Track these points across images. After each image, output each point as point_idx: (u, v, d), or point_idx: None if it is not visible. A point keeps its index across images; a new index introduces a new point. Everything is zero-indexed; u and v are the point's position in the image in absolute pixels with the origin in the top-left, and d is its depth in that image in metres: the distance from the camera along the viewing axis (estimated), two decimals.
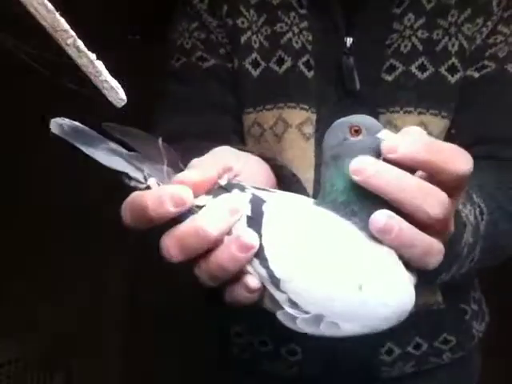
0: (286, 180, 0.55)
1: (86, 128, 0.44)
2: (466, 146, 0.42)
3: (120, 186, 0.47)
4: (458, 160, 0.41)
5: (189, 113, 0.75)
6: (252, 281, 0.43)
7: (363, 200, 0.43)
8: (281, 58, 0.73)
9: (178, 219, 0.43)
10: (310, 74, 0.72)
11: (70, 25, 0.34)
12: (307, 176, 0.69)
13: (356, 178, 0.41)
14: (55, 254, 1.96)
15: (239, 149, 0.54)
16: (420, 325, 0.73)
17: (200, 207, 0.44)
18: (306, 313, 0.42)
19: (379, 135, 0.43)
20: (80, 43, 0.35)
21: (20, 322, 1.88)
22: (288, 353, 0.73)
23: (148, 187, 0.45)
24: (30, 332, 1.83)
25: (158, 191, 0.43)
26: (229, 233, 0.43)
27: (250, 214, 0.44)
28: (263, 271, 0.43)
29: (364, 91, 0.71)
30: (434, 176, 0.42)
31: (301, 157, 0.71)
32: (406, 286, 0.42)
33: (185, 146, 0.68)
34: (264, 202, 0.45)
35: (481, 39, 0.73)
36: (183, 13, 0.78)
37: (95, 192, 1.83)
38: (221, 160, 0.49)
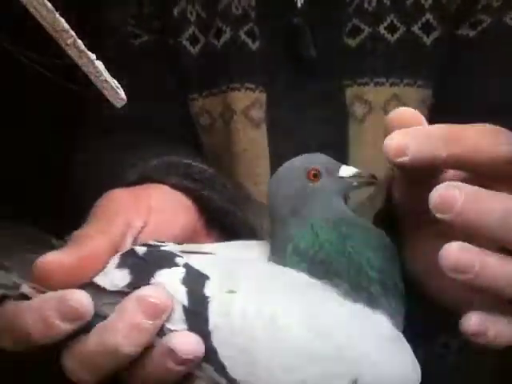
0: (221, 217, 0.43)
1: None
2: (472, 121, 0.33)
3: None
4: (491, 141, 0.32)
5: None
6: None
7: (349, 254, 0.34)
8: (219, 29, 0.59)
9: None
10: (255, 46, 0.58)
11: (69, 25, 0.34)
12: (260, 170, 0.57)
13: (443, 216, 0.31)
14: None
15: (136, 184, 0.42)
16: None
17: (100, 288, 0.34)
18: None
19: (341, 173, 0.37)
20: (80, 43, 0.35)
21: None
22: None
23: (24, 295, 0.34)
24: None
25: (38, 305, 0.32)
26: (160, 332, 0.33)
27: (186, 303, 0.33)
28: (222, 381, 0.33)
29: (323, 60, 0.58)
30: (469, 172, 0.34)
31: (251, 149, 0.58)
32: (410, 366, 0.34)
33: (114, 142, 0.55)
34: (206, 278, 0.34)
35: None
36: None
37: None
38: (114, 218, 0.37)
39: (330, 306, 0.33)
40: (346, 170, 0.37)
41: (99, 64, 0.36)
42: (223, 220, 0.44)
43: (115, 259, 0.35)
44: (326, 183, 0.36)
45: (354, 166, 0.38)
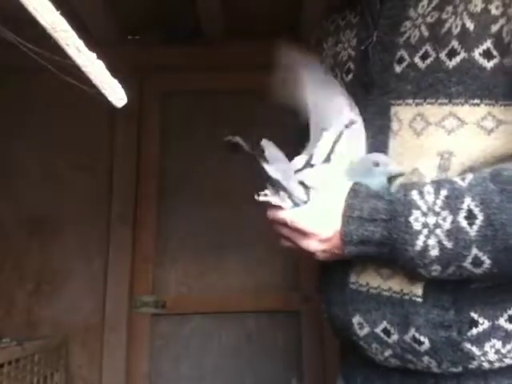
0: None
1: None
2: None
3: None
4: None
5: None
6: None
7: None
8: (336, 73, 0.84)
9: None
10: (348, 78, 0.80)
11: (69, 25, 0.34)
12: None
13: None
14: (57, 256, 1.96)
15: None
16: (388, 310, 0.69)
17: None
18: None
19: (388, 169, 0.70)
20: (80, 43, 0.35)
21: (20, 321, 1.88)
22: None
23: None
24: (29, 332, 1.83)
25: None
26: None
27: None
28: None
29: (378, 83, 0.74)
30: None
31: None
32: None
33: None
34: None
35: None
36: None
37: None
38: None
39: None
40: (394, 167, 0.70)
41: (99, 64, 0.36)
42: None
43: None
44: (380, 169, 0.70)
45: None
